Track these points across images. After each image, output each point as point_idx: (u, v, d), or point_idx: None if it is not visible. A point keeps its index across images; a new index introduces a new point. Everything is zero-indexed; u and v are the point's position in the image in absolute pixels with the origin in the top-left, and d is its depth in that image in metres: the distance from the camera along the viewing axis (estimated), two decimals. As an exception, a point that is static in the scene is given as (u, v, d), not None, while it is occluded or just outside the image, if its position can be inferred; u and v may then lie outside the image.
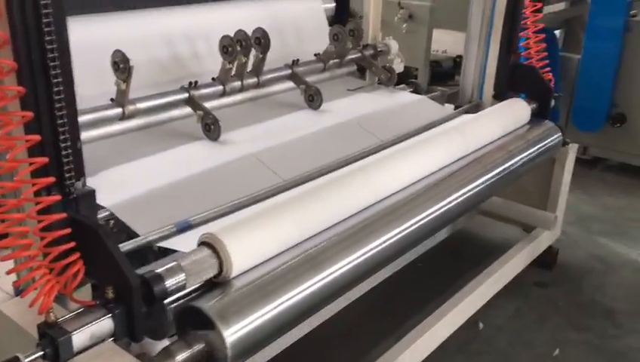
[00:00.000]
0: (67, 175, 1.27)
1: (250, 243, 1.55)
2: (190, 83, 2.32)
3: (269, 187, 2.02)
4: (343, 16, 3.30)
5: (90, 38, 2.23)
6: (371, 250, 1.85)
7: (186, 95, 2.29)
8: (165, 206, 1.85)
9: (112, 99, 2.11)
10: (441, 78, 5.68)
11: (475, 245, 3.38)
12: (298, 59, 2.73)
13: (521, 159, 2.49)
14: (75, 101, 1.28)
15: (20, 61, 1.15)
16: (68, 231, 1.26)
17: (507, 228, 3.36)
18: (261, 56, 2.50)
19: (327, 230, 1.82)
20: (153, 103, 2.21)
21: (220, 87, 2.41)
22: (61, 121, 1.22)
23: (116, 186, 1.88)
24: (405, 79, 3.28)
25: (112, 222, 1.79)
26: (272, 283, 1.56)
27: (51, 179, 1.22)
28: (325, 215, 1.83)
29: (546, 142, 2.68)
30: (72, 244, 1.27)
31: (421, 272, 3.00)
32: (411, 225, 1.99)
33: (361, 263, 1.82)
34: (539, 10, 3.02)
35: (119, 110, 2.10)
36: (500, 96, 2.95)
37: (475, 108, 2.98)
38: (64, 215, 1.25)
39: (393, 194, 2.05)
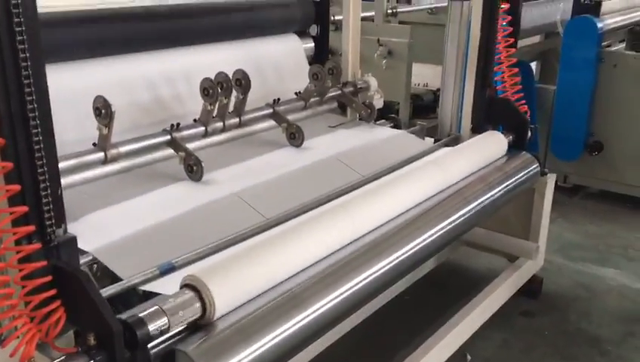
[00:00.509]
0: (48, 223, 1.28)
1: (233, 284, 1.56)
2: (172, 125, 2.35)
3: (252, 226, 2.04)
4: (322, 54, 3.37)
5: (73, 85, 2.28)
6: (355, 285, 1.87)
7: (168, 137, 2.32)
8: (149, 248, 1.86)
9: (94, 144, 2.13)
10: (422, 112, 5.77)
11: (461, 276, 3.40)
12: (279, 98, 2.78)
13: (500, 191, 2.53)
14: (55, 149, 1.30)
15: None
16: (48, 278, 1.27)
17: (492, 258, 3.39)
18: (242, 96, 2.54)
19: (311, 267, 1.83)
20: (135, 146, 2.23)
21: (202, 129, 2.44)
22: (41, 170, 1.24)
23: (99, 230, 1.88)
24: (386, 114, 3.35)
25: (95, 266, 1.79)
26: (255, 324, 1.57)
27: (31, 228, 1.23)
28: (308, 252, 1.84)
29: (524, 172, 2.74)
30: (53, 292, 1.27)
31: (408, 305, 3.01)
32: (394, 259, 2.01)
33: (346, 299, 1.84)
34: (512, 45, 3.11)
35: (101, 154, 2.11)
36: (477, 129, 3.01)
37: (454, 141, 3.03)
38: (44, 263, 1.26)
39: (375, 229, 2.07)
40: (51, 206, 1.28)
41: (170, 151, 2.34)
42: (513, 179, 2.64)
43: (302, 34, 3.33)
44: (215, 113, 2.46)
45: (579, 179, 4.59)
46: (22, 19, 1.16)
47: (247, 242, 1.93)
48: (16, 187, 1.20)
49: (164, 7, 2.58)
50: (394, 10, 5.68)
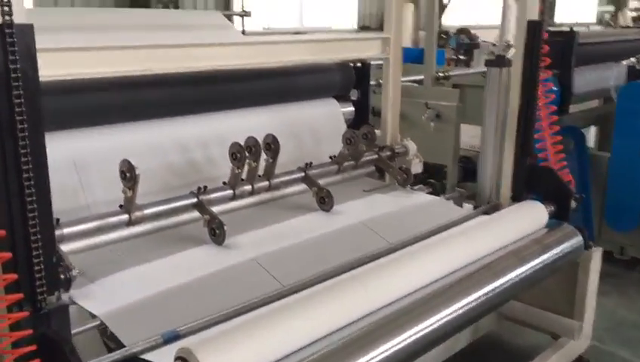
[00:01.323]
0: (39, 290, 1.29)
1: (229, 359, 1.52)
2: (199, 188, 2.37)
3: (267, 293, 2.00)
4: (362, 118, 3.38)
5: (108, 148, 2.35)
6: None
7: (195, 200, 2.34)
8: (159, 314, 1.85)
9: (121, 206, 2.17)
10: (473, 174, 5.64)
11: (500, 352, 3.21)
12: (311, 162, 2.77)
13: (535, 265, 2.40)
14: (52, 217, 1.32)
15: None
16: (33, 348, 1.26)
17: (536, 333, 3.18)
18: (271, 160, 2.55)
19: (319, 341, 1.77)
20: (160, 209, 2.25)
21: (230, 192, 2.46)
22: (34, 238, 1.26)
23: (114, 293, 1.90)
24: (434, 177, 3.29)
25: (109, 330, 1.79)
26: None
27: (19, 296, 1.24)
28: (317, 324, 1.78)
29: (565, 246, 2.59)
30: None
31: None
32: (413, 334, 1.92)
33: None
34: (562, 111, 3.02)
35: (126, 216, 2.15)
36: (518, 197, 2.90)
37: (494, 209, 2.92)
38: (29, 331, 1.26)
39: (393, 302, 1.99)
40: (44, 273, 1.29)
41: (196, 213, 2.35)
42: (551, 253, 2.50)
43: (342, 98, 3.36)
44: (244, 176, 2.48)
45: (637, 251, 4.31)
46: (21, 92, 1.20)
47: (259, 311, 1.89)
48: (8, 255, 1.22)
49: (202, 73, 2.64)
50: (446, 74, 5.66)
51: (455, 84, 5.72)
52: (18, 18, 1.18)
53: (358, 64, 3.36)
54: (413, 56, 6.84)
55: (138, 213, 2.17)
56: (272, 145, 2.52)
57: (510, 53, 2.82)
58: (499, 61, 2.90)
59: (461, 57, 11.78)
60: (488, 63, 2.95)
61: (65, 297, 1.81)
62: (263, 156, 2.50)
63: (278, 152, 2.53)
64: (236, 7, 12.39)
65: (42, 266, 1.29)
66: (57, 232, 1.92)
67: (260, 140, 2.45)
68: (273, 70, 2.96)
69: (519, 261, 2.35)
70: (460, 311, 2.06)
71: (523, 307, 2.93)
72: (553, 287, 2.91)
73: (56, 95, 2.24)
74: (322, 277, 2.10)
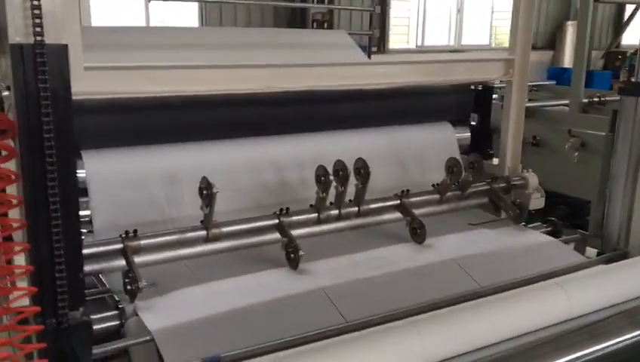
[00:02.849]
0: (60, 304, 1.31)
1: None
2: (281, 209, 2.33)
3: (327, 327, 1.89)
4: (482, 144, 3.15)
5: (204, 163, 2.41)
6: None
7: (275, 221, 2.30)
8: (210, 337, 1.83)
9: (201, 221, 2.20)
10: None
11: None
12: (408, 190, 2.61)
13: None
14: (79, 234, 1.35)
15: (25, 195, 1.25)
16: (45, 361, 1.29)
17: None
18: (361, 186, 2.44)
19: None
20: (239, 228, 2.25)
21: (314, 215, 2.39)
22: (58, 253, 1.29)
23: (176, 309, 1.92)
24: (577, 212, 2.95)
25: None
26: None
27: (36, 309, 1.28)
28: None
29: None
30: (46, 379, 1.29)
31: None
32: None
33: None
34: None
35: (203, 233, 2.17)
36: (650, 246, 2.49)
37: (620, 258, 2.53)
38: (43, 345, 1.29)
39: (459, 356, 1.78)
40: (66, 288, 1.31)
41: (276, 234, 2.31)
42: (678, 319, 2.09)
43: (460, 122, 3.16)
44: (330, 201, 2.40)
45: None
46: (50, 110, 1.24)
47: (311, 345, 1.79)
48: (30, 268, 1.25)
49: (313, 93, 2.57)
50: (601, 99, 5.12)
51: (615, 110, 5.15)
52: (52, 37, 1.21)
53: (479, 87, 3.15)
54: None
55: (216, 231, 2.19)
56: (361, 170, 2.41)
57: (649, 80, 2.44)
58: (634, 89, 2.52)
59: (634, 80, 10.65)
60: (621, 91, 2.58)
61: (130, 308, 1.90)
62: (354, 181, 2.40)
63: (369, 177, 2.41)
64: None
65: (66, 281, 1.31)
66: (134, 243, 2.02)
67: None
68: (383, 91, 2.84)
69: (630, 324, 1.99)
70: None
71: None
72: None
73: (156, 110, 2.36)
74: (388, 318, 1.94)
